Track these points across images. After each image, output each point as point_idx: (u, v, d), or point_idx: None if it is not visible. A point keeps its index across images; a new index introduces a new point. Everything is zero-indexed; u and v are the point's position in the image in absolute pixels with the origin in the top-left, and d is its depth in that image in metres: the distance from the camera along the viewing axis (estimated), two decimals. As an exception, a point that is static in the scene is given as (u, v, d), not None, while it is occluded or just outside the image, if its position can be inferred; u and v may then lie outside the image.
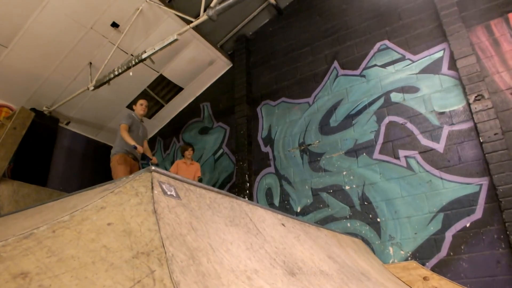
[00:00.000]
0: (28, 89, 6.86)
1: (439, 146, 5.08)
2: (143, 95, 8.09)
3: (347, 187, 5.65)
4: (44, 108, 7.25)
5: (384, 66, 5.93)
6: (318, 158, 6.11)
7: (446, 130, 5.10)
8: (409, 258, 4.81)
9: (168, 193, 1.66)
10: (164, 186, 1.68)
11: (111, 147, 8.56)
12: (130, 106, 8.15)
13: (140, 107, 5.74)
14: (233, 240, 1.80)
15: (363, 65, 6.17)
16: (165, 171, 1.80)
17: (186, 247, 1.38)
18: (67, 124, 7.92)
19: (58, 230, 1.31)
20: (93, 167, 8.27)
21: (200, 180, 6.45)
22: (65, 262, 1.15)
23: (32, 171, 6.90)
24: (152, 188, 1.59)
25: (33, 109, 6.86)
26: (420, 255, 4.76)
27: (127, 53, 6.84)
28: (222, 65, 8.10)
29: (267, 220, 2.61)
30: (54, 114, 7.48)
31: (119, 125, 5.46)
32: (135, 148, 5.20)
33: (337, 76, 6.42)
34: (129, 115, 5.57)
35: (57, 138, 7.68)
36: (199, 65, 7.90)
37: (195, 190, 1.94)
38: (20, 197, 5.95)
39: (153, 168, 1.72)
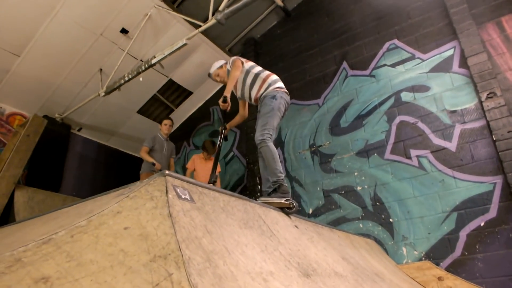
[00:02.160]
0: (41, 97, 6.96)
1: (451, 145, 5.03)
2: (153, 100, 8.16)
3: (358, 188, 5.62)
4: (56, 115, 7.34)
5: (393, 65, 5.90)
6: (329, 159, 6.09)
7: (458, 128, 5.05)
8: (423, 258, 4.77)
9: (183, 196, 1.68)
10: (178, 190, 1.69)
11: (123, 153, 8.74)
12: (140, 111, 8.24)
13: (165, 127, 6.18)
14: (247, 242, 1.81)
15: (372, 65, 6.15)
16: (179, 175, 1.82)
17: (202, 250, 1.39)
18: (79, 130, 8.02)
19: (76, 235, 1.33)
20: (105, 172, 8.35)
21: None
22: (84, 267, 1.17)
23: (46, 177, 6.99)
24: (167, 192, 1.61)
25: (45, 116, 6.96)
26: (434, 255, 4.71)
27: (136, 59, 6.91)
28: (231, 68, 8.12)
29: (280, 222, 2.62)
30: (66, 120, 7.57)
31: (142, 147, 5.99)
32: (154, 165, 5.51)
33: (346, 76, 6.41)
34: (153, 137, 6.07)
35: (69, 144, 7.77)
36: (208, 69, 7.87)
37: (209, 194, 1.96)
38: (35, 203, 6.03)
39: (167, 172, 1.74)
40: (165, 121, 6.17)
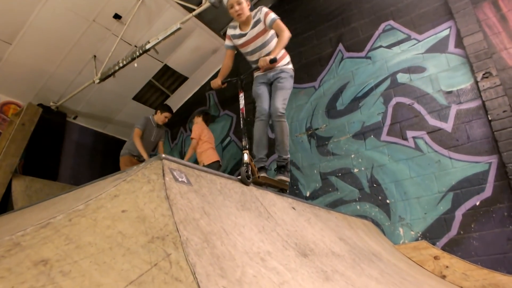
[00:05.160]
0: (34, 85, 6.89)
1: (447, 126, 5.04)
2: (149, 86, 8.10)
3: (355, 170, 5.66)
4: (51, 103, 7.28)
5: (389, 47, 5.87)
6: (326, 142, 6.11)
7: (454, 109, 5.06)
8: (420, 238, 4.83)
9: (179, 179, 1.69)
10: (175, 173, 1.70)
11: (119, 140, 8.72)
12: (136, 98, 8.19)
13: (164, 119, 6.16)
14: (245, 223, 1.82)
15: (368, 47, 6.11)
16: (175, 159, 1.82)
17: (200, 231, 1.41)
18: (75, 118, 7.97)
19: (74, 219, 1.34)
20: (102, 160, 8.34)
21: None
22: (83, 249, 1.18)
23: (43, 166, 6.97)
24: (164, 175, 1.62)
25: (40, 105, 6.91)
26: (431, 235, 4.77)
27: (130, 45, 6.83)
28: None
29: (278, 204, 2.64)
30: (61, 109, 7.52)
31: (134, 128, 5.88)
32: (142, 161, 5.55)
33: (342, 59, 6.37)
34: (146, 119, 5.98)
35: (65, 132, 7.74)
36: (203, 53, 7.88)
37: (206, 176, 1.97)
38: (32, 192, 6.05)
39: (163, 155, 1.74)
40: (167, 114, 6.12)
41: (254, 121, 3.93)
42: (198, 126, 6.20)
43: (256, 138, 3.84)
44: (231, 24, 3.89)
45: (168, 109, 6.24)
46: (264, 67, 3.48)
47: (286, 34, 3.57)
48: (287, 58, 3.90)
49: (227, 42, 3.97)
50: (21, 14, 5.67)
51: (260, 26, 3.67)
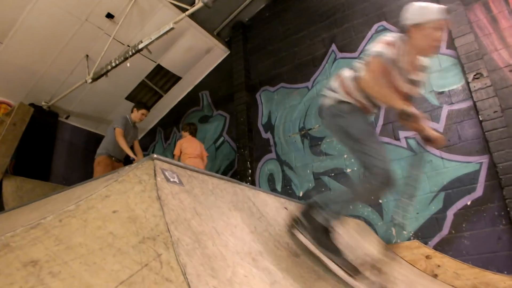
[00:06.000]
0: (26, 85, 6.84)
1: (439, 126, 5.08)
2: (142, 86, 8.07)
3: (348, 170, 5.67)
4: (43, 103, 7.23)
5: (382, 47, 5.89)
6: (319, 142, 6.12)
7: (445, 109, 5.09)
8: (412, 238, 4.86)
9: (171, 179, 1.68)
10: (166, 173, 1.70)
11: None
12: (129, 98, 8.16)
13: (141, 116, 5.87)
14: (237, 223, 1.83)
15: (361, 48, 6.13)
16: (167, 159, 1.82)
17: (191, 231, 1.41)
18: (67, 118, 7.92)
19: (64, 219, 1.33)
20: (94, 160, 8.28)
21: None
22: (73, 250, 1.17)
23: (34, 166, 6.92)
24: (155, 175, 1.61)
25: (31, 105, 6.85)
26: (422, 234, 4.80)
27: (123, 44, 6.80)
28: (219, 52, 8.06)
29: (270, 204, 2.64)
30: (53, 108, 7.47)
31: (114, 128, 5.64)
32: (133, 160, 5.34)
33: (335, 59, 6.39)
34: (124, 118, 5.71)
35: (57, 132, 7.69)
36: (197, 53, 7.86)
37: (198, 177, 1.97)
38: (24, 193, 5.98)
39: (155, 156, 1.74)
40: (144, 111, 5.87)
41: (377, 184, 2.70)
42: (179, 142, 6.24)
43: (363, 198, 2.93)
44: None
45: (144, 106, 6.07)
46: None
47: None
48: None
49: (385, 50, 2.44)
50: (12, 13, 5.62)
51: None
